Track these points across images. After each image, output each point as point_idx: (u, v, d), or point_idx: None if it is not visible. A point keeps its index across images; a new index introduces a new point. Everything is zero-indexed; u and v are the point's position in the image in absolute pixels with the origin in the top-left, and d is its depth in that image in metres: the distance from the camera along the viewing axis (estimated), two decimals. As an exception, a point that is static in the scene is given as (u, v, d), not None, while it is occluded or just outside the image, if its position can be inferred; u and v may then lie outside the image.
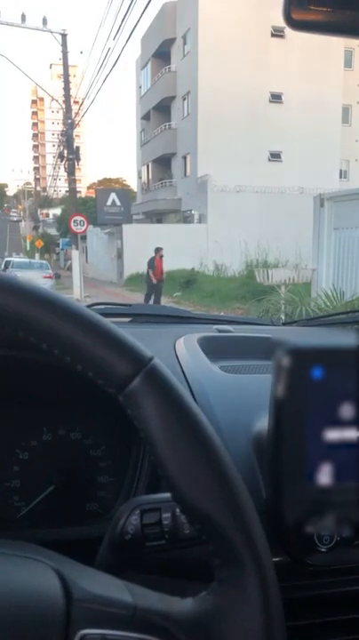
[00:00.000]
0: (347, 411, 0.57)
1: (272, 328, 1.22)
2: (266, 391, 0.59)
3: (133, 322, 1.24)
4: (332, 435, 0.57)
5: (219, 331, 1.10)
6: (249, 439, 0.69)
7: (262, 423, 0.64)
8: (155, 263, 12.95)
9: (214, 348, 0.96)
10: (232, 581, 0.40)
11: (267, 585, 0.40)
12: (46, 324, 0.40)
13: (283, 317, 6.09)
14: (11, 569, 0.38)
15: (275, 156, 23.69)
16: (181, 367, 0.84)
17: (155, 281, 12.96)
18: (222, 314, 10.68)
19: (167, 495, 0.45)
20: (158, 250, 13.30)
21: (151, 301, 12.25)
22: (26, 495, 0.76)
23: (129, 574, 0.53)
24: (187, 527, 0.52)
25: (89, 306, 1.37)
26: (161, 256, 13.11)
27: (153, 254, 13.19)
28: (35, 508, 0.76)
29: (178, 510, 0.51)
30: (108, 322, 0.42)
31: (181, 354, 0.90)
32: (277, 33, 22.13)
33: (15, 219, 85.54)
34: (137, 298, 15.68)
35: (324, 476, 0.58)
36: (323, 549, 0.57)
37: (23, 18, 14.76)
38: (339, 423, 0.57)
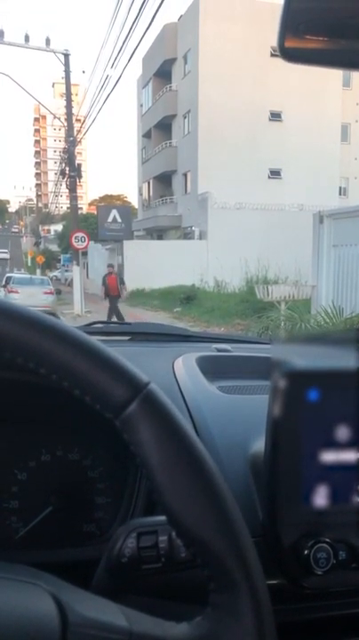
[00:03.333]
0: (343, 432, 0.58)
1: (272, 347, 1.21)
2: (263, 412, 0.59)
3: (132, 340, 1.24)
4: (328, 456, 0.58)
5: (218, 350, 1.10)
6: (246, 460, 0.70)
7: (259, 444, 0.64)
8: (107, 280, 13.00)
9: (212, 368, 0.96)
10: (226, 606, 0.40)
11: (262, 610, 0.40)
12: (45, 351, 0.40)
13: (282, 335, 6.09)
14: (6, 593, 0.37)
15: (275, 174, 23.88)
16: (179, 387, 0.84)
17: (108, 297, 13.06)
18: (222, 329, 10.67)
19: (163, 518, 0.45)
20: (109, 267, 13.61)
21: (114, 318, 12.12)
22: (24, 516, 0.76)
23: (125, 597, 0.53)
24: (184, 550, 0.52)
25: (89, 324, 1.37)
26: (111, 273, 13.22)
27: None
28: (33, 529, 0.75)
29: (174, 533, 0.51)
30: (105, 346, 0.42)
31: (179, 374, 0.90)
32: (276, 53, 22.29)
33: (16, 229, 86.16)
34: (137, 313, 15.69)
35: (320, 497, 0.58)
36: (319, 572, 0.57)
37: (27, 38, 14.99)
38: (336, 445, 0.58)
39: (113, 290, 12.96)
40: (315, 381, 0.57)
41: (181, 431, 0.42)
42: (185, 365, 0.94)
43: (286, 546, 0.58)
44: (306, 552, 0.57)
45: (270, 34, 21.16)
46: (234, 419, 0.77)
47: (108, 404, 0.41)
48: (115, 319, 11.68)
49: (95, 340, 0.43)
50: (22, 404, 0.75)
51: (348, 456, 0.58)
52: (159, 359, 0.98)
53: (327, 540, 0.58)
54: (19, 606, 0.36)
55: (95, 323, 1.37)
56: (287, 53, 0.55)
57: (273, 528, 0.59)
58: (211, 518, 0.41)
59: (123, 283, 13.45)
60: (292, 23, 0.56)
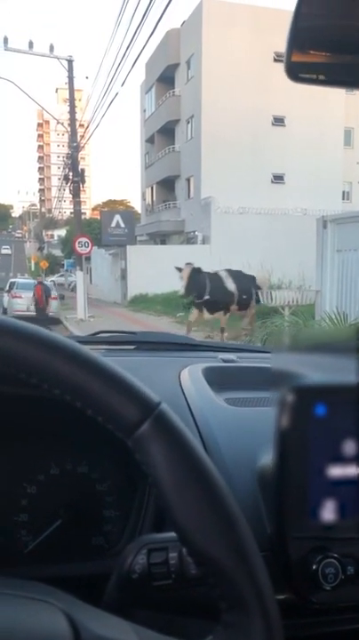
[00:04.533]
0: (350, 447, 0.58)
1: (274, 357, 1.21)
2: (271, 425, 0.59)
3: (138, 349, 1.25)
4: (336, 471, 0.58)
5: (224, 360, 1.11)
6: (253, 474, 0.70)
7: (266, 458, 0.64)
8: (35, 291, 12.60)
9: (219, 379, 0.96)
10: (238, 626, 0.41)
11: (273, 631, 0.40)
12: (59, 373, 0.41)
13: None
14: (19, 611, 0.38)
15: (278, 178, 23.90)
16: (186, 399, 0.85)
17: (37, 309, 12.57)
18: (226, 334, 10.65)
19: (173, 534, 0.46)
20: (36, 277, 13.32)
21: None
22: (33, 530, 0.76)
23: (136, 612, 0.53)
24: (194, 567, 0.52)
25: (95, 333, 1.38)
26: (39, 282, 12.76)
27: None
28: (42, 543, 0.76)
29: (184, 550, 0.51)
30: (117, 367, 0.43)
31: (186, 385, 0.90)
32: (279, 58, 22.47)
33: (19, 234, 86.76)
34: (140, 318, 15.68)
35: (328, 512, 0.58)
36: (327, 587, 0.57)
37: (30, 45, 15.08)
38: (343, 460, 0.58)
39: (39, 302, 12.77)
40: (323, 397, 0.58)
41: (192, 452, 0.43)
42: (191, 377, 0.94)
43: (294, 560, 0.59)
44: (314, 567, 0.57)
45: (273, 39, 21.29)
46: (241, 432, 0.77)
47: (121, 424, 0.42)
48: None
49: (107, 360, 0.43)
50: (31, 418, 0.76)
51: (355, 471, 0.58)
52: (165, 370, 0.98)
53: (335, 555, 0.58)
54: (32, 625, 0.36)
55: (101, 332, 1.37)
56: (294, 75, 0.56)
57: (280, 542, 0.60)
58: (223, 539, 0.41)
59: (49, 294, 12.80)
60: (299, 42, 0.56)
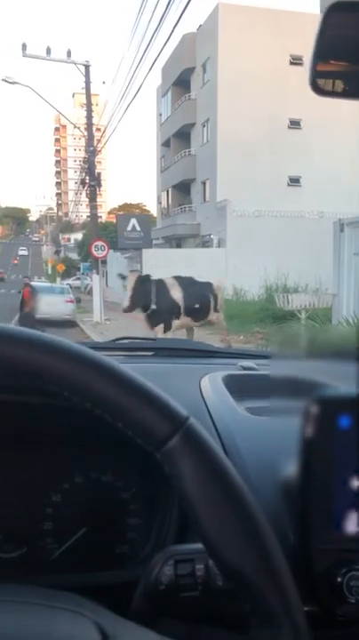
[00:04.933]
0: None
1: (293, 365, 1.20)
2: (293, 435, 0.59)
3: (156, 356, 1.25)
4: None
5: (244, 368, 1.10)
6: (276, 484, 0.70)
7: (290, 468, 0.64)
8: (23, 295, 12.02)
9: (239, 388, 0.95)
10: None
11: None
12: (90, 387, 0.42)
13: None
14: (52, 622, 0.38)
15: (294, 181, 23.81)
16: (207, 408, 0.85)
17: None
18: (241, 337, 10.60)
19: (199, 546, 0.46)
20: (23, 278, 12.67)
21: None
22: (58, 537, 0.77)
23: (165, 622, 0.53)
24: (221, 579, 0.52)
25: (115, 340, 1.38)
26: (26, 284, 12.07)
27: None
28: (67, 551, 0.76)
29: (211, 562, 0.51)
30: (146, 381, 0.44)
31: (207, 394, 0.90)
32: (296, 61, 22.44)
33: (36, 238, 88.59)
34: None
35: (352, 524, 0.58)
36: (352, 600, 0.57)
37: (48, 51, 15.24)
38: None
39: (27, 304, 12.02)
40: (347, 408, 0.57)
41: (221, 466, 0.43)
42: (212, 385, 0.94)
43: (319, 572, 0.58)
44: (339, 579, 0.57)
45: (289, 42, 21.20)
46: (264, 442, 0.77)
47: (150, 438, 0.42)
48: None
49: (136, 375, 0.44)
50: (56, 426, 0.76)
51: None
52: (186, 378, 0.98)
53: None
54: (65, 636, 0.37)
55: (122, 338, 1.37)
56: (318, 86, 0.56)
57: (305, 554, 0.59)
58: (252, 553, 0.42)
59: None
60: (324, 53, 0.57)
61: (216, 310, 8.58)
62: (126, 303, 7.96)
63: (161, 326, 8.04)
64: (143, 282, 8.03)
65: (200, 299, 8.40)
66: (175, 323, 8.21)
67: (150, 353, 1.27)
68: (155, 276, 8.32)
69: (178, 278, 8.56)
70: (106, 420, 0.43)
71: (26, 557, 0.76)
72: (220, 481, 0.43)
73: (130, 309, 8.03)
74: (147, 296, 7.97)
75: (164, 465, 0.43)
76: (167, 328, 8.12)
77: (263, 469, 0.71)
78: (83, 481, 0.79)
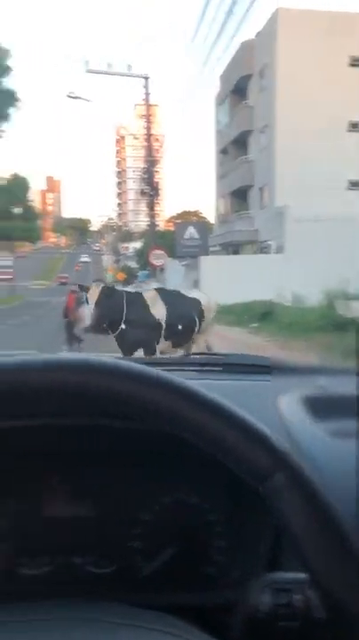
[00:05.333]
0: None
1: None
2: None
3: (225, 371, 1.21)
4: None
5: (321, 386, 1.03)
6: None
7: None
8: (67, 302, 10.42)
9: (319, 408, 0.91)
10: None
11: None
12: (191, 420, 0.44)
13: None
14: None
15: (355, 185, 23.24)
16: (287, 430, 0.82)
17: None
18: (302, 343, 10.26)
19: (298, 576, 0.47)
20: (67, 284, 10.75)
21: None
22: (147, 557, 0.78)
23: None
24: (320, 611, 0.51)
25: (186, 355, 1.35)
26: (72, 291, 10.01)
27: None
28: (155, 570, 0.77)
29: (310, 592, 0.52)
30: (248, 416, 0.46)
31: (286, 415, 0.87)
32: (355, 62, 21.96)
33: (97, 247, 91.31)
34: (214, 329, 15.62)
35: None
36: None
37: (109, 65, 15.69)
38: None
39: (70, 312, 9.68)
40: None
41: (325, 503, 0.45)
42: (290, 405, 0.90)
43: None
44: None
45: (348, 43, 20.72)
46: (347, 467, 0.74)
47: (252, 472, 0.44)
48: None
49: (241, 410, 0.46)
50: (146, 448, 0.77)
51: None
52: (261, 397, 0.94)
53: None
54: None
55: (192, 354, 1.34)
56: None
57: None
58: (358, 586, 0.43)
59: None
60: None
61: (199, 332, 6.77)
62: (87, 321, 6.21)
63: (140, 351, 6.22)
64: (109, 295, 6.31)
65: (184, 318, 6.59)
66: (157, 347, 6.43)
67: (219, 368, 1.23)
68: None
69: (160, 291, 6.87)
70: (196, 445, 0.45)
71: (116, 575, 0.77)
72: (326, 516, 0.44)
73: (94, 328, 6.31)
74: (117, 312, 6.24)
75: (267, 499, 0.44)
76: (149, 353, 6.29)
77: (348, 497, 0.67)
78: (171, 502, 0.79)
